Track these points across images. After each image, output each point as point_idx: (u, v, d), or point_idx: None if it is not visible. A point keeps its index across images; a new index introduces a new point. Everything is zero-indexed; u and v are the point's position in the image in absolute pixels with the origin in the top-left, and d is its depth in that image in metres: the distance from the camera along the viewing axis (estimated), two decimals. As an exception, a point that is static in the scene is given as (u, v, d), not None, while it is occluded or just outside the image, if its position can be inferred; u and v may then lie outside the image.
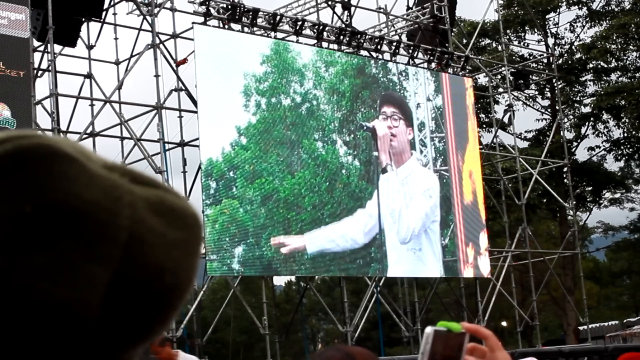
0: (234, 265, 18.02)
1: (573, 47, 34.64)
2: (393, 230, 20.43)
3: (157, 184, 0.72)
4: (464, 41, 26.70)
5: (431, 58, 22.95)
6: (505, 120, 27.78)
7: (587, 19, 34.11)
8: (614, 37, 33.47)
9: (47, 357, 0.67)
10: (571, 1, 33.80)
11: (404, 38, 24.13)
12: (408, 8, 25.20)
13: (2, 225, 0.64)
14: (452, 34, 25.25)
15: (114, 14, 20.94)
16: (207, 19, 18.95)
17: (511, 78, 26.47)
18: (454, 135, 22.54)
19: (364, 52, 21.80)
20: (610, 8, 34.01)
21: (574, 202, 29.91)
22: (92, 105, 20.19)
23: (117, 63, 21.54)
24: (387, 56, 22.27)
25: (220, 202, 17.77)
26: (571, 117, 34.84)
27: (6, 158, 0.65)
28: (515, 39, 34.06)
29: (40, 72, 18.97)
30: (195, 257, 0.74)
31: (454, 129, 22.54)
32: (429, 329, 1.51)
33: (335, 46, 21.15)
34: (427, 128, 21.95)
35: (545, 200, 33.16)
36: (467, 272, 22.28)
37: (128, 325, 0.69)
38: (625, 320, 39.38)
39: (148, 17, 19.11)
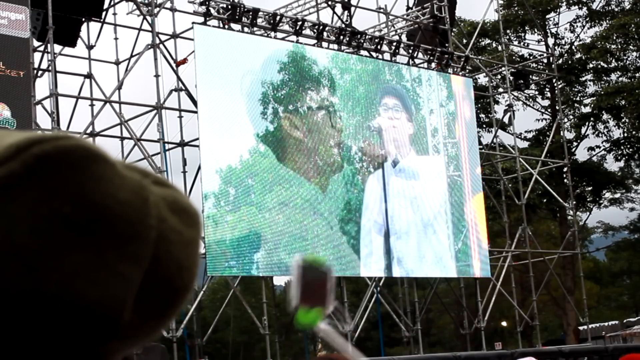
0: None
1: (573, 47, 34.64)
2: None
3: (169, 184, 0.74)
4: (464, 41, 26.69)
5: (431, 58, 22.96)
6: (505, 120, 27.80)
7: (587, 19, 34.10)
8: (614, 37, 33.47)
9: (77, 356, 0.68)
10: (571, 1, 33.79)
11: (404, 38, 24.13)
12: (408, 8, 25.20)
13: (41, 225, 0.65)
14: (452, 34, 25.25)
15: (114, 14, 20.95)
16: (207, 19, 18.96)
17: (511, 78, 26.46)
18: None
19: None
20: (610, 8, 34.01)
21: (574, 202, 29.91)
22: (92, 105, 20.18)
23: (117, 63, 21.54)
24: (387, 56, 22.30)
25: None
26: (571, 117, 34.83)
27: (45, 159, 0.65)
28: (515, 39, 34.05)
29: (40, 72, 18.96)
30: (199, 254, 0.76)
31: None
32: (294, 262, 1.66)
33: (336, 46, 21.17)
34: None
35: (545, 200, 33.15)
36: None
37: (147, 322, 0.71)
38: (625, 320, 39.39)
39: (148, 17, 19.11)
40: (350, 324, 19.78)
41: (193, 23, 18.56)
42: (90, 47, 20.77)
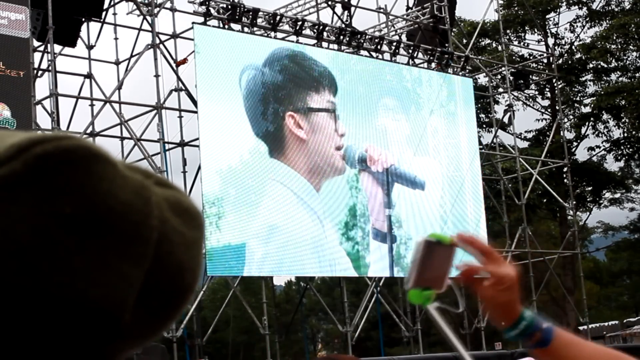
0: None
1: (573, 47, 34.65)
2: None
3: (171, 185, 0.74)
4: (464, 41, 26.69)
5: (431, 58, 22.97)
6: (505, 120, 27.79)
7: (587, 19, 34.12)
8: (614, 37, 33.48)
9: (80, 357, 0.68)
10: (571, 1, 33.80)
11: (404, 38, 24.13)
12: (408, 8, 25.20)
13: (42, 225, 0.65)
14: (452, 34, 25.25)
15: (114, 14, 20.94)
16: (207, 19, 18.96)
17: (511, 78, 26.46)
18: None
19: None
20: (610, 8, 34.02)
21: (574, 202, 29.91)
22: (92, 105, 20.18)
23: (117, 63, 21.54)
24: (387, 56, 22.30)
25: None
26: (571, 117, 34.85)
27: (47, 158, 0.65)
28: (515, 39, 34.06)
29: (40, 72, 18.96)
30: (202, 255, 0.76)
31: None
32: (420, 239, 1.60)
33: (336, 46, 21.18)
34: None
35: (545, 200, 33.16)
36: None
37: (149, 323, 0.71)
38: (625, 320, 39.43)
39: (148, 17, 19.11)
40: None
41: (193, 23, 18.56)
42: (90, 47, 20.77)
